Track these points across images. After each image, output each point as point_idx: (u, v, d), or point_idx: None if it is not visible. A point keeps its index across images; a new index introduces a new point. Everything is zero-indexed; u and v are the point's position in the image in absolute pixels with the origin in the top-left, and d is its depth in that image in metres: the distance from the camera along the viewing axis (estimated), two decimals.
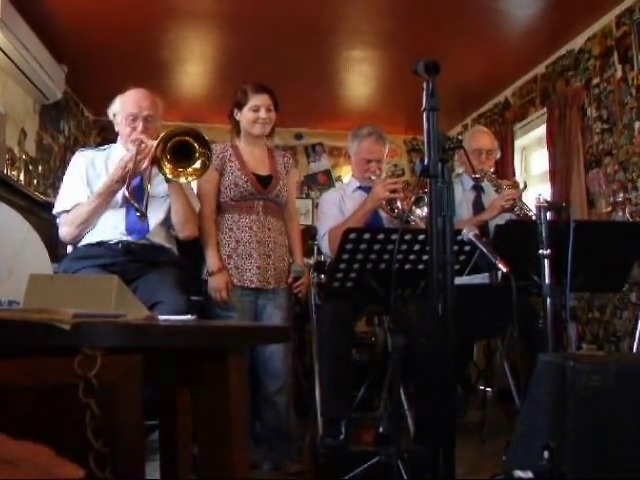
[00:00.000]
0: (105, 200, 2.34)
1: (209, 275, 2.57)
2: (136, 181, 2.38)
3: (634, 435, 1.51)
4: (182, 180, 2.30)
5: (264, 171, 2.74)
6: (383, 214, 2.99)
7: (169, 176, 2.26)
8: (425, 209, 2.70)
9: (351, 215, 2.90)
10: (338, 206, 3.03)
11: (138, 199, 2.35)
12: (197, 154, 2.25)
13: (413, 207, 2.72)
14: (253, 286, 2.61)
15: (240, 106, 2.71)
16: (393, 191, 2.81)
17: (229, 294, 2.56)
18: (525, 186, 3.51)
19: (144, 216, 2.25)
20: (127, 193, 2.25)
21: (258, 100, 2.68)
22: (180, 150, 2.24)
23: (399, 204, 2.81)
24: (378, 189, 2.82)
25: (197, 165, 2.26)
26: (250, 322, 2.59)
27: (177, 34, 4.33)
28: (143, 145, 2.33)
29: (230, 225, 2.66)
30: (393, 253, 2.20)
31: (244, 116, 2.71)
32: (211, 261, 2.58)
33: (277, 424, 2.63)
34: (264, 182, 2.71)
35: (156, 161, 2.23)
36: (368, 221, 2.89)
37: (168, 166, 2.24)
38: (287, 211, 2.85)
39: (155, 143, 2.25)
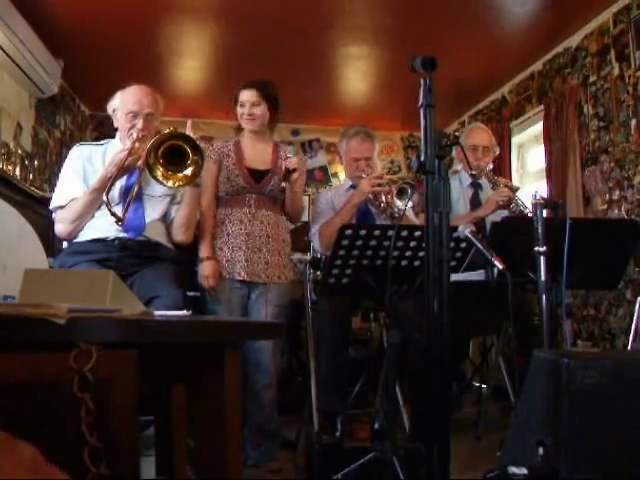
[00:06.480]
0: (99, 195, 2.32)
1: (199, 262, 2.60)
2: (131, 180, 2.38)
3: (628, 432, 1.52)
4: (170, 184, 2.28)
5: (263, 165, 2.75)
6: (374, 209, 3.01)
7: (160, 179, 2.25)
8: (409, 202, 2.73)
9: (339, 210, 2.94)
10: (330, 205, 3.07)
11: (126, 197, 2.35)
12: (189, 161, 2.26)
13: (395, 198, 2.74)
14: (241, 278, 2.62)
15: (235, 102, 2.75)
16: (378, 186, 2.83)
17: (218, 284, 2.58)
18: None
19: (120, 221, 2.24)
20: (106, 198, 2.23)
21: (244, 96, 2.72)
22: (173, 154, 2.25)
23: (383, 198, 2.83)
24: (363, 184, 2.86)
25: (188, 172, 2.26)
26: (239, 316, 2.60)
27: (174, 29, 4.31)
28: (137, 145, 2.32)
29: (223, 219, 2.69)
30: (389, 249, 2.20)
31: (237, 112, 2.75)
32: (202, 249, 2.62)
33: (262, 421, 2.62)
34: (258, 176, 2.72)
35: (148, 164, 2.22)
36: (359, 216, 2.94)
37: (160, 169, 2.24)
38: None
39: (148, 144, 2.24)
